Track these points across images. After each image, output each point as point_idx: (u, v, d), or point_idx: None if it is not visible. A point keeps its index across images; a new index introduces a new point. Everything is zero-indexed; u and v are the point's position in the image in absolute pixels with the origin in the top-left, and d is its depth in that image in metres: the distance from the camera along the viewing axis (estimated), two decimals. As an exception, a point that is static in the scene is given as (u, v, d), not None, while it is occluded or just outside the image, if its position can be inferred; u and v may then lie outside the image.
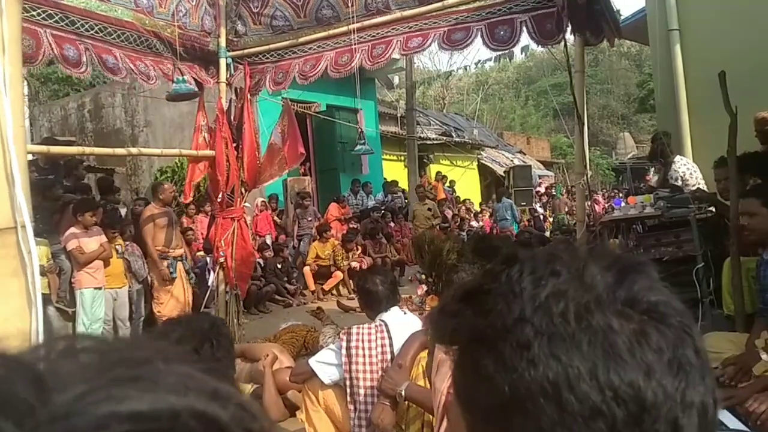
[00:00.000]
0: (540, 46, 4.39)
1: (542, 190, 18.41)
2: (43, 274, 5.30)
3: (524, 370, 0.47)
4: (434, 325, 0.58)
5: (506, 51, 4.43)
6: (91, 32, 4.36)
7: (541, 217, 16.08)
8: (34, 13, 3.96)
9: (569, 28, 4.16)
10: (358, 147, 6.32)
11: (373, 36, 4.85)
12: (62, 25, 4.16)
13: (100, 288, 5.74)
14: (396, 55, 5.01)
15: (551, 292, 0.49)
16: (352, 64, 4.88)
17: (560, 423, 0.45)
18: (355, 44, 4.76)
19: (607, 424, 0.45)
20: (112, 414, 0.27)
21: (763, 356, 2.71)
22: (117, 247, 6.13)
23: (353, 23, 4.76)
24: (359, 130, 6.61)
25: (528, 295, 0.49)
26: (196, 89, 5.05)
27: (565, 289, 0.49)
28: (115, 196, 7.83)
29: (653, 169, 8.38)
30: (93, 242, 5.70)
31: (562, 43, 4.28)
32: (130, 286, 6.29)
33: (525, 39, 4.40)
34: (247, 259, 5.45)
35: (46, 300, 5.45)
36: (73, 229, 5.62)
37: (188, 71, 5.01)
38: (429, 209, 9.53)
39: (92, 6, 4.37)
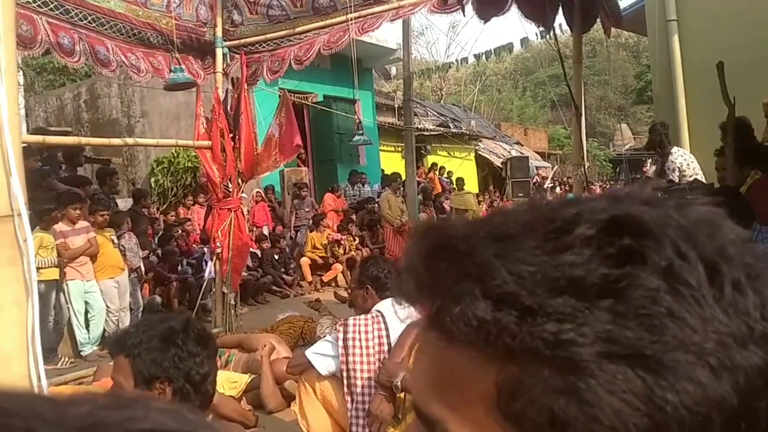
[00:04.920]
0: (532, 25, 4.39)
1: (539, 180, 18.40)
2: (57, 265, 5.37)
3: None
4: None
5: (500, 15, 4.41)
6: (84, 22, 4.33)
7: None
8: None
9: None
10: (356, 138, 6.27)
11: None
12: (57, 14, 4.13)
13: (87, 281, 5.73)
14: (387, 22, 4.93)
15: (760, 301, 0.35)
16: (344, 39, 4.86)
17: None
18: (351, 29, 4.74)
19: None
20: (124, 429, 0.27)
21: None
22: (113, 238, 6.11)
23: (350, 12, 4.73)
24: (357, 120, 6.55)
25: (728, 301, 0.34)
26: (193, 78, 5.03)
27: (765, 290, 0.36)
28: (113, 180, 7.70)
29: (651, 160, 8.38)
30: (79, 239, 5.66)
31: (557, 31, 4.28)
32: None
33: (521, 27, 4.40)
34: (242, 250, 5.44)
35: (59, 286, 5.52)
36: (60, 225, 5.58)
37: (182, 63, 4.98)
38: (402, 201, 9.62)
39: (84, -5, 4.33)
